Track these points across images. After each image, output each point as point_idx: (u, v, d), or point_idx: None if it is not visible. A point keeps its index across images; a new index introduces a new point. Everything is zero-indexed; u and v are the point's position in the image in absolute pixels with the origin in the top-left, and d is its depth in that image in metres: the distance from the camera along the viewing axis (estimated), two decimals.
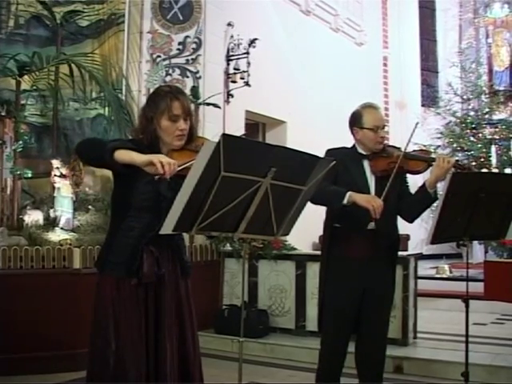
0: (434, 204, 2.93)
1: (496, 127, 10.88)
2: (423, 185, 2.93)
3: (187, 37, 6.06)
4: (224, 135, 1.82)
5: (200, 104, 5.89)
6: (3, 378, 4.08)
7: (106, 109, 5.71)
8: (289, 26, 7.94)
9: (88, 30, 6.10)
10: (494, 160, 9.71)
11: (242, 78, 6.57)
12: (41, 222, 5.12)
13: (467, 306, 3.03)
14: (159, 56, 5.99)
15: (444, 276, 8.08)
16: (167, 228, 1.91)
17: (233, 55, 6.60)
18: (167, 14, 6.04)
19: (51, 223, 5.09)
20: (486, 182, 2.78)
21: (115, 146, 2.11)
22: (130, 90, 5.91)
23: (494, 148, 9.93)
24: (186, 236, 2.61)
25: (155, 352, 2.25)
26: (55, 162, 5.18)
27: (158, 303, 2.29)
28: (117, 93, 5.77)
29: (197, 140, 2.36)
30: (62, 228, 5.05)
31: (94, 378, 2.25)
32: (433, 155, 3.13)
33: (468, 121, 11.03)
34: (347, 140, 3.13)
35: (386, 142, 3.11)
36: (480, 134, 10.81)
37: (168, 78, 5.96)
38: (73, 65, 5.54)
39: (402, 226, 3.16)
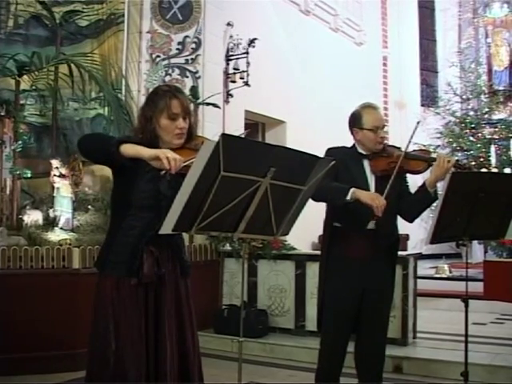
0: (434, 204, 2.93)
1: (495, 127, 10.88)
2: (423, 184, 2.93)
3: (187, 37, 6.06)
4: (223, 135, 1.81)
5: (199, 104, 5.89)
6: (2, 378, 4.08)
7: (106, 109, 5.71)
8: (288, 25, 7.94)
9: (87, 30, 6.10)
10: (493, 160, 9.70)
11: (241, 78, 6.58)
12: (40, 221, 5.12)
13: (467, 306, 3.03)
14: (159, 56, 5.99)
15: (443, 276, 8.08)
16: (167, 228, 1.91)
17: (232, 55, 6.61)
18: (166, 13, 6.04)
19: (51, 223, 5.09)
20: (485, 182, 2.78)
21: (121, 140, 2.13)
22: (130, 90, 5.91)
23: (493, 148, 9.93)
24: (185, 236, 2.61)
25: (155, 352, 2.25)
26: (54, 162, 5.18)
27: (158, 303, 2.29)
28: (116, 93, 5.77)
29: (196, 139, 2.37)
30: (61, 228, 5.05)
31: (94, 377, 2.25)
32: (433, 155, 3.13)
33: (467, 120, 11.03)
34: (347, 140, 3.13)
35: (385, 141, 3.11)
36: (479, 134, 10.82)
37: (167, 78, 5.96)
38: (72, 65, 5.53)
39: (402, 226, 3.15)
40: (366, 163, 3.03)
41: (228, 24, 6.57)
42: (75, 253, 4.65)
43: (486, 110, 11.16)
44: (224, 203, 1.95)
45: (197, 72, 6.05)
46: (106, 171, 2.57)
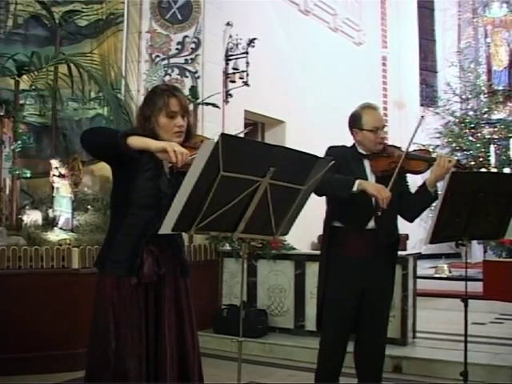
0: (433, 204, 2.94)
1: (495, 127, 10.89)
2: (423, 184, 2.94)
3: (186, 36, 6.06)
4: (223, 135, 1.81)
5: (199, 104, 5.89)
6: (2, 378, 4.08)
7: (105, 109, 5.71)
8: (288, 25, 7.94)
9: (87, 30, 6.09)
10: (492, 159, 9.71)
11: (240, 78, 6.57)
12: (40, 221, 5.11)
13: (466, 306, 3.03)
14: (158, 56, 5.99)
15: (443, 276, 8.09)
16: (166, 228, 1.91)
17: (232, 55, 6.60)
18: (166, 13, 6.04)
19: (50, 223, 5.09)
20: (485, 182, 2.79)
21: (128, 132, 2.14)
22: (129, 90, 5.91)
23: (492, 148, 9.94)
24: (185, 235, 2.61)
25: (155, 352, 2.25)
26: (54, 162, 5.17)
27: (158, 303, 2.28)
28: (116, 93, 5.76)
29: (195, 138, 2.37)
30: (60, 228, 5.05)
31: (94, 377, 2.25)
32: (433, 155, 3.13)
33: (467, 120, 11.04)
34: (346, 140, 3.13)
35: (385, 141, 3.11)
36: (479, 134, 10.82)
37: (167, 78, 5.96)
38: (72, 65, 5.52)
39: (401, 226, 3.16)
40: (366, 163, 3.03)
41: (227, 24, 6.57)
42: (75, 253, 4.65)
43: (486, 109, 11.16)
44: (223, 203, 1.95)
45: (196, 72, 6.05)
46: (106, 171, 2.57)
